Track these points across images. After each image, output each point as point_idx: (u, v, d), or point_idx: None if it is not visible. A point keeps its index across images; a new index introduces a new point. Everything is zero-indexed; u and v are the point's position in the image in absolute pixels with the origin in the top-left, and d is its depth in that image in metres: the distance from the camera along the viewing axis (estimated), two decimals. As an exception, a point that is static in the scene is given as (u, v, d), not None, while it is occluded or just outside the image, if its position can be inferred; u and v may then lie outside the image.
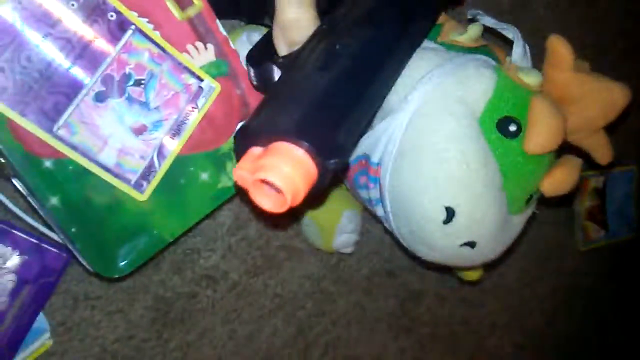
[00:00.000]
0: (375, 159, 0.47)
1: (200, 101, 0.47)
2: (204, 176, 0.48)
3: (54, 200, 0.43)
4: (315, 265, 0.70)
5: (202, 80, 0.47)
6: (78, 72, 0.42)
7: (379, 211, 0.50)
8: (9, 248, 0.50)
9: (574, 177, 0.48)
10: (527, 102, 0.45)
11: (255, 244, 0.64)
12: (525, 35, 0.50)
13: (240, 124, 0.49)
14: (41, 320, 0.53)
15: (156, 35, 0.44)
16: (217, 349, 0.65)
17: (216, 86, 0.47)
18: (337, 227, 0.63)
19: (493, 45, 0.52)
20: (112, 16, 0.43)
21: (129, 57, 0.44)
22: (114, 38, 0.43)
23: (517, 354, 0.96)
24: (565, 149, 0.48)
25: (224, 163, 0.49)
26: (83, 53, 0.42)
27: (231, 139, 0.48)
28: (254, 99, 0.48)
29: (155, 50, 0.45)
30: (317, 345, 0.72)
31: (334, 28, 0.41)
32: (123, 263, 0.47)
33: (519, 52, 0.48)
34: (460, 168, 0.44)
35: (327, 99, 0.36)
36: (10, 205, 0.50)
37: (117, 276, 0.47)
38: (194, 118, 0.47)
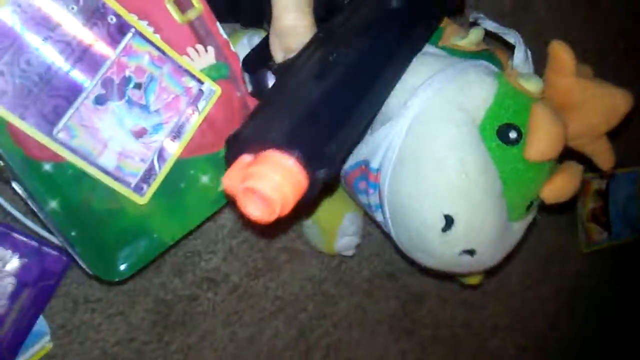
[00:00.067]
0: (374, 164, 0.47)
1: (201, 104, 0.47)
2: (205, 179, 0.48)
3: (54, 204, 0.43)
4: (316, 268, 0.70)
5: (202, 83, 0.47)
6: (78, 75, 0.42)
7: (379, 217, 0.50)
8: (9, 251, 0.50)
9: (575, 184, 0.48)
10: (528, 109, 0.45)
11: (256, 246, 0.64)
12: (526, 38, 0.50)
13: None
14: (41, 324, 0.53)
15: (156, 38, 0.44)
16: (218, 351, 0.64)
17: (217, 89, 0.47)
18: (338, 229, 0.63)
19: (495, 48, 0.52)
20: (112, 19, 0.42)
21: (129, 60, 0.44)
22: (114, 41, 0.43)
23: (520, 356, 0.96)
24: (567, 154, 0.47)
25: (224, 166, 0.48)
26: (83, 56, 0.42)
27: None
28: (255, 102, 0.48)
29: (156, 53, 0.44)
30: (318, 347, 0.72)
31: (331, 36, 0.41)
32: (123, 266, 0.46)
33: (521, 57, 0.48)
34: (459, 176, 0.43)
35: (320, 108, 0.36)
36: (10, 209, 0.49)
37: (117, 280, 0.47)
38: (195, 121, 0.47)
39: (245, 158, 0.34)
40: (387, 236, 0.52)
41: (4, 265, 0.50)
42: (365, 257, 0.74)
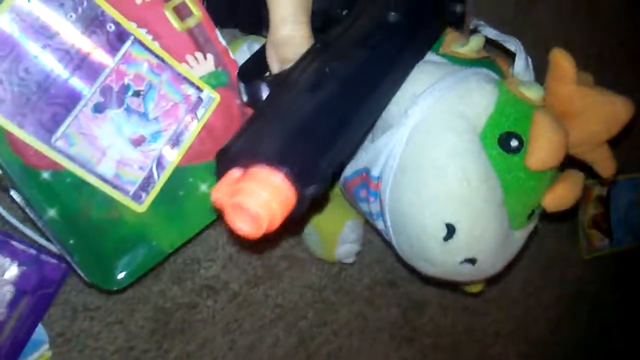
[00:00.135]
0: (375, 172, 0.47)
1: (200, 111, 0.47)
2: (204, 187, 0.48)
3: (52, 212, 0.43)
4: (316, 275, 0.69)
5: (201, 90, 0.46)
6: (76, 83, 0.42)
7: (379, 225, 0.50)
8: (8, 259, 0.50)
9: (576, 193, 0.47)
10: (529, 117, 0.45)
11: (255, 254, 0.64)
12: (527, 45, 0.50)
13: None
14: (40, 332, 0.53)
15: (155, 46, 0.44)
16: (218, 359, 0.64)
17: (216, 96, 0.47)
18: (339, 237, 0.62)
19: (496, 55, 0.52)
20: (110, 27, 0.42)
21: (127, 68, 0.43)
22: (113, 49, 0.43)
23: (522, 363, 0.95)
24: (568, 162, 0.47)
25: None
26: (82, 64, 0.42)
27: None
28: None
29: (155, 60, 0.44)
30: (318, 355, 0.72)
31: (328, 48, 0.40)
32: (121, 275, 0.46)
33: (521, 64, 0.48)
34: (461, 185, 0.43)
35: (312, 123, 0.36)
36: (8, 217, 0.49)
37: (115, 288, 0.46)
38: (194, 128, 0.47)
39: (235, 172, 0.34)
40: (388, 244, 0.52)
41: (2, 274, 0.50)
42: (366, 265, 0.73)
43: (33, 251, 0.51)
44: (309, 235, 0.64)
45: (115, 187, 0.44)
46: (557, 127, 0.44)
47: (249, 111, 0.48)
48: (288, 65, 0.41)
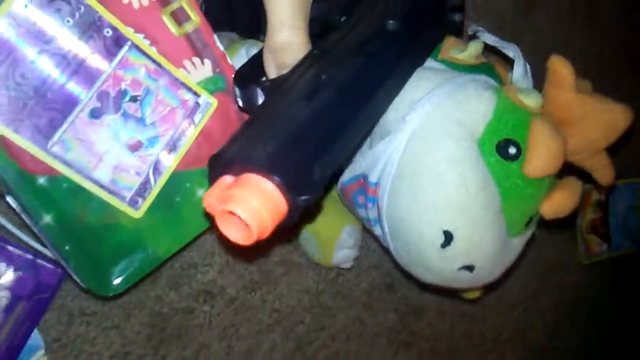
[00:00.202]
0: (373, 179, 0.47)
1: (197, 117, 0.47)
2: (200, 192, 0.48)
3: (48, 218, 0.42)
4: (313, 280, 0.69)
5: (199, 95, 0.46)
6: (73, 89, 0.42)
7: (377, 231, 0.50)
8: (3, 264, 0.50)
9: (574, 200, 0.47)
10: (527, 124, 0.45)
11: (253, 259, 0.64)
12: (526, 50, 0.50)
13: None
14: (36, 337, 0.53)
15: (152, 51, 0.44)
16: (214, 364, 0.64)
17: (213, 102, 0.47)
18: (337, 242, 0.62)
19: (495, 61, 0.52)
20: (108, 32, 0.42)
21: (125, 73, 0.43)
22: (110, 54, 0.43)
23: (519, 368, 0.95)
24: (566, 169, 0.47)
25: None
26: (78, 69, 0.42)
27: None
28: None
29: (152, 66, 0.44)
30: (315, 360, 0.72)
31: (326, 54, 0.40)
32: (117, 281, 0.46)
33: (520, 71, 0.48)
34: (458, 192, 0.43)
35: (307, 131, 0.35)
36: (4, 222, 0.49)
37: (111, 294, 0.46)
38: (191, 134, 0.46)
39: (227, 179, 0.33)
40: (386, 250, 0.52)
41: (-2, 279, 0.50)
42: (364, 269, 0.73)
43: (29, 256, 0.50)
44: (307, 241, 0.64)
45: (111, 192, 0.44)
46: (555, 135, 0.44)
47: (246, 117, 0.48)
48: (285, 71, 0.41)
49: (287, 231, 0.61)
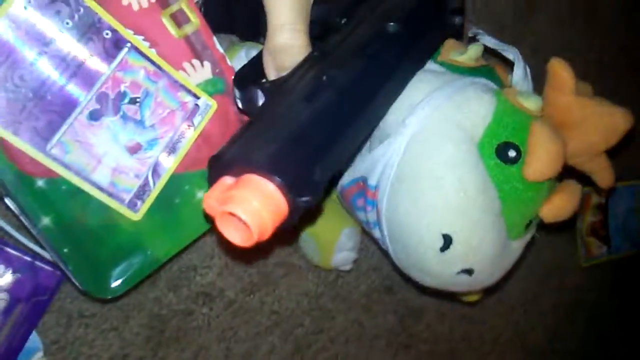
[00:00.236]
0: (372, 182, 0.46)
1: (197, 119, 0.46)
2: (200, 195, 0.48)
3: (46, 221, 0.42)
4: (312, 282, 0.69)
5: (198, 98, 0.46)
6: (72, 91, 0.42)
7: (376, 233, 0.50)
8: (2, 266, 0.49)
9: (574, 204, 0.47)
10: (527, 128, 0.44)
11: (252, 261, 0.64)
12: (526, 53, 0.50)
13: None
14: (34, 339, 0.53)
15: (152, 53, 0.44)
16: (213, 367, 0.64)
17: (212, 104, 0.47)
18: (336, 244, 0.62)
19: (494, 63, 0.51)
20: (107, 34, 0.42)
21: (124, 75, 0.43)
22: (109, 56, 0.42)
23: (519, 371, 0.95)
24: (565, 172, 0.47)
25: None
26: (78, 71, 0.42)
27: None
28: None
29: (151, 68, 0.44)
30: (314, 363, 0.71)
31: (326, 56, 0.40)
32: (116, 284, 0.46)
33: (520, 74, 0.47)
34: (457, 195, 0.43)
35: (307, 133, 0.35)
36: (3, 224, 0.49)
37: (110, 297, 0.46)
38: (190, 136, 0.46)
39: (227, 180, 0.33)
40: (385, 253, 0.51)
41: (-4, 281, 0.49)
42: (363, 272, 0.73)
43: (28, 258, 0.50)
44: (306, 243, 0.64)
45: (110, 195, 0.44)
46: (555, 138, 0.44)
47: (246, 119, 0.48)
48: (285, 73, 0.41)
49: (287, 234, 0.61)
